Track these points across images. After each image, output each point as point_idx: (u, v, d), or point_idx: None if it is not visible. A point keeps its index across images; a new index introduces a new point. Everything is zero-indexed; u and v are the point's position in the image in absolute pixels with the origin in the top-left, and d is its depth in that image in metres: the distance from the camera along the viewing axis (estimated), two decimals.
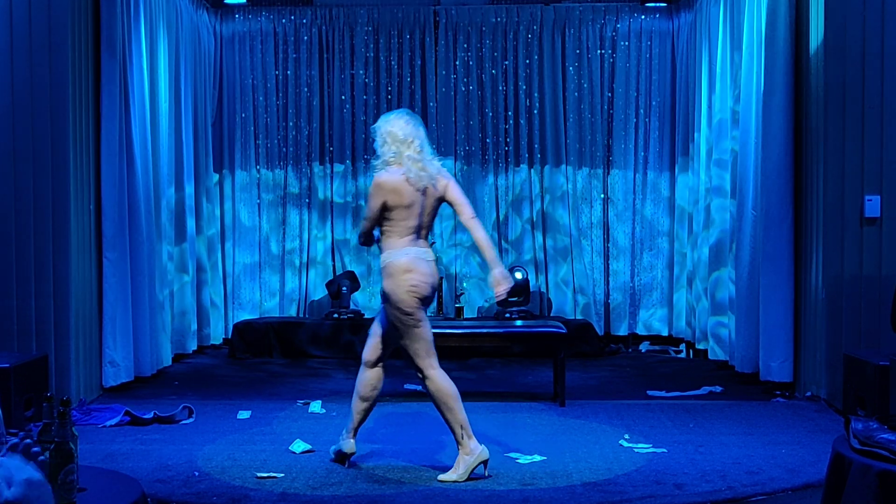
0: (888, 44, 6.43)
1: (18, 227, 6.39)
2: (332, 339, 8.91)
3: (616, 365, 8.64)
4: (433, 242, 9.33)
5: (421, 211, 4.86)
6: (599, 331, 9.42)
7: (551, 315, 9.53)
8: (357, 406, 5.03)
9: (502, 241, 9.76)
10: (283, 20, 9.72)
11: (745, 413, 6.36)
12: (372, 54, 9.69)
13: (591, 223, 9.77)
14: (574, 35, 9.67)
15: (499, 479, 4.82)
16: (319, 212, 9.76)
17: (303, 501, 4.50)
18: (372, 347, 5.01)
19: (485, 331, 7.16)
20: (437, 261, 9.28)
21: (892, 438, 3.29)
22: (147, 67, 7.52)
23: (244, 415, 6.30)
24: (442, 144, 9.64)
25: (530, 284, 9.26)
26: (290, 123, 9.76)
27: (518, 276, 9.07)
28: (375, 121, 5.10)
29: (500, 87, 9.72)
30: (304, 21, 9.72)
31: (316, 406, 6.54)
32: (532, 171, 9.74)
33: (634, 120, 9.71)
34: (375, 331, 5.03)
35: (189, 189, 8.73)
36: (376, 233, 4.97)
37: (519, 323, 7.60)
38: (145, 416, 6.05)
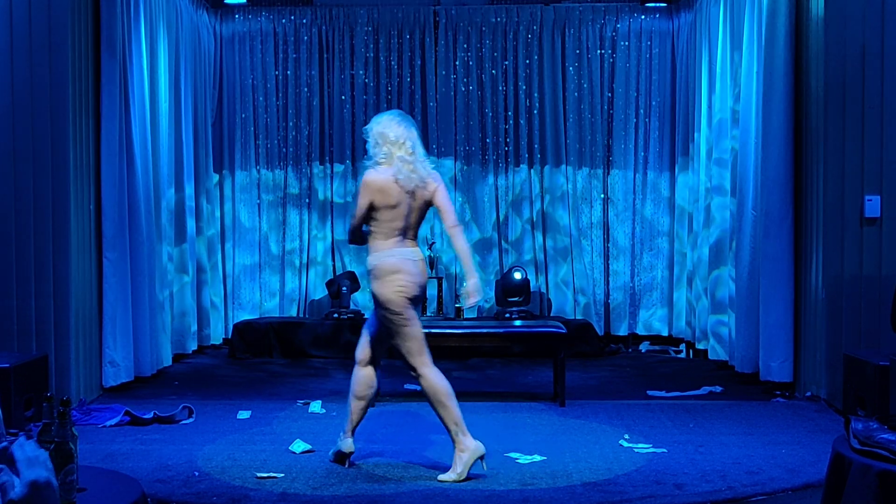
0: (888, 44, 6.43)
1: (18, 227, 6.39)
2: (332, 339, 8.91)
3: (616, 365, 8.64)
4: (433, 242, 9.33)
5: (408, 212, 4.87)
6: (599, 331, 9.42)
7: (551, 315, 9.53)
8: (353, 405, 5.04)
9: (502, 242, 9.76)
10: (283, 20, 9.72)
11: (745, 413, 6.36)
12: (372, 54, 9.69)
13: (591, 223, 9.77)
14: (574, 35, 9.67)
15: (499, 479, 4.83)
16: (319, 212, 9.77)
17: (303, 501, 4.50)
18: (364, 346, 5.05)
19: (485, 331, 7.16)
20: (437, 260, 9.35)
21: (892, 438, 3.29)
22: (147, 67, 7.52)
23: (244, 415, 6.30)
24: (442, 144, 9.65)
25: (530, 285, 9.26)
26: (290, 123, 9.76)
27: (517, 276, 9.07)
28: None
29: (500, 87, 9.72)
30: (304, 21, 9.72)
31: (316, 406, 6.54)
32: (532, 171, 9.74)
33: (634, 120, 9.71)
34: (367, 331, 5.06)
35: (189, 189, 8.73)
36: (366, 228, 4.98)
37: (519, 323, 7.61)
38: (145, 416, 6.05)
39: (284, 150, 9.77)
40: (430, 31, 9.71)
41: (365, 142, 5.04)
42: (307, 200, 9.78)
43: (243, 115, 9.75)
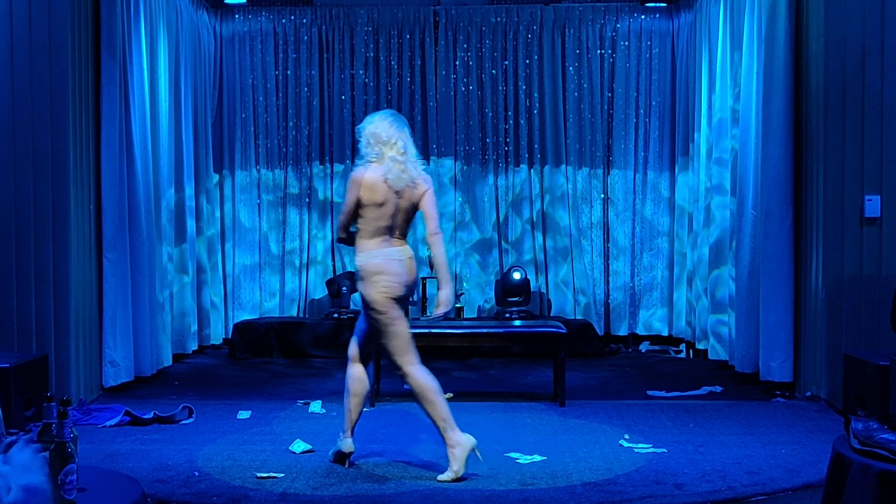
0: (888, 44, 6.43)
1: (18, 227, 6.39)
2: (332, 339, 8.91)
3: (616, 365, 8.64)
4: None
5: (394, 212, 4.88)
6: (599, 331, 9.42)
7: (551, 315, 9.53)
8: (349, 403, 5.07)
9: (502, 242, 9.76)
10: (283, 20, 9.72)
11: (745, 413, 6.36)
12: (372, 54, 9.69)
13: (591, 223, 9.77)
14: (574, 35, 9.67)
15: (499, 479, 4.83)
16: (319, 212, 9.77)
17: (303, 501, 4.50)
18: (355, 344, 5.10)
19: (485, 331, 7.16)
20: None
21: (892, 438, 3.29)
22: (147, 67, 7.52)
23: (244, 415, 6.30)
24: (442, 144, 9.65)
25: (530, 285, 9.26)
26: (290, 123, 9.76)
27: (517, 276, 9.07)
28: None
29: (500, 87, 9.72)
30: (304, 21, 9.72)
31: (316, 406, 6.55)
32: (532, 171, 9.73)
33: (634, 120, 9.71)
34: (358, 328, 5.12)
35: (189, 189, 8.73)
36: (353, 228, 5.00)
37: (519, 323, 7.60)
38: (145, 416, 6.05)
39: (284, 149, 9.77)
40: (429, 31, 9.71)
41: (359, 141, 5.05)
42: (307, 200, 9.78)
43: (243, 115, 9.75)
